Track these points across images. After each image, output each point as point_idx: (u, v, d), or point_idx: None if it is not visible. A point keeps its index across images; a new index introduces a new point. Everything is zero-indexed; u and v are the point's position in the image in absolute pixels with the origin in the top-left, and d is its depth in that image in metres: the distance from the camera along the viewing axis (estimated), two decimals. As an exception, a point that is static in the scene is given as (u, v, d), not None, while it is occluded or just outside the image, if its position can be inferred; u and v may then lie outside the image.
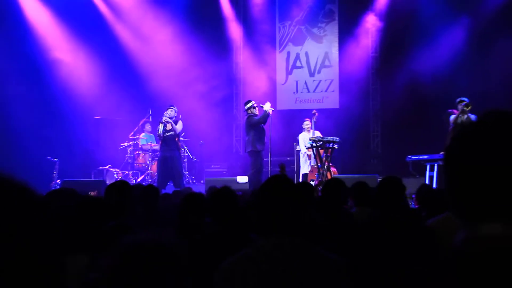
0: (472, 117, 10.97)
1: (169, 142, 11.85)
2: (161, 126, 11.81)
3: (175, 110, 12.06)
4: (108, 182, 12.46)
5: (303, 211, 2.46)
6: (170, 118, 11.88)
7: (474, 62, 14.58)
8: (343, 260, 2.44)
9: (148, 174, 13.68)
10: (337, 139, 12.10)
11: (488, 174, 1.14)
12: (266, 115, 11.88)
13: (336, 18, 16.72)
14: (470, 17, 14.78)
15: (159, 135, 11.91)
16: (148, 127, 14.27)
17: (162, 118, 11.93)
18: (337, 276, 2.39)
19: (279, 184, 2.50)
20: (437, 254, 3.15)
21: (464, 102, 11.09)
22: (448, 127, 12.09)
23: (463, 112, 11.07)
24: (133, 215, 4.48)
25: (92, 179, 13.80)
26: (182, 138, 13.82)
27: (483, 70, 14.29)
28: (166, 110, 11.98)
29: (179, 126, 11.95)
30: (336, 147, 12.10)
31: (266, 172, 12.20)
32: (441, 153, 12.20)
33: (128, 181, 13.41)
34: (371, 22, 16.13)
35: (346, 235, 3.63)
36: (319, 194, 6.26)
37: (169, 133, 11.82)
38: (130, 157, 14.04)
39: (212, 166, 15.62)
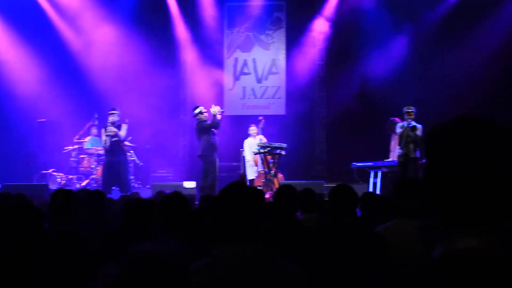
0: (419, 127, 11.20)
1: (114, 147, 11.74)
2: (107, 139, 11.69)
3: (117, 114, 11.93)
4: (51, 186, 12.24)
5: (260, 217, 2.45)
6: (113, 123, 11.75)
7: (418, 70, 14.98)
8: (299, 269, 2.45)
9: (93, 179, 13.48)
10: (285, 145, 12.22)
11: (464, 180, 1.21)
12: (215, 119, 11.88)
13: (284, 25, 16.87)
14: (414, 25, 15.17)
15: (106, 146, 11.80)
16: (94, 130, 14.06)
17: (106, 124, 11.79)
18: (293, 285, 2.40)
19: (238, 191, 2.47)
20: (388, 261, 3.23)
21: (412, 116, 11.26)
22: (391, 134, 12.35)
23: (408, 129, 11.21)
24: (79, 221, 4.42)
25: (34, 183, 13.49)
26: (128, 143, 13.69)
27: (427, 77, 14.67)
28: (109, 116, 11.85)
29: (123, 132, 11.86)
30: (283, 153, 12.21)
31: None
32: (385, 160, 12.48)
33: (72, 185, 13.25)
34: (317, 30, 16.32)
35: (297, 242, 3.68)
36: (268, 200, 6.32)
37: (114, 139, 11.71)
38: (74, 161, 13.80)
39: (159, 171, 15.50)
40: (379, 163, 12.57)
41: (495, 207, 1.19)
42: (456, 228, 1.22)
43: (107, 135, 11.72)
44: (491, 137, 1.23)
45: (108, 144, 11.70)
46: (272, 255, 2.43)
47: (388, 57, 15.25)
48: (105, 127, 11.87)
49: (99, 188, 9.11)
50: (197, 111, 12.24)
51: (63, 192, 4.50)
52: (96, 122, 14.00)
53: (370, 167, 12.67)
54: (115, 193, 11.25)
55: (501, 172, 1.20)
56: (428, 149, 1.31)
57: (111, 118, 11.78)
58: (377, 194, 9.03)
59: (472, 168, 1.20)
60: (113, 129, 11.68)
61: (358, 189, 5.04)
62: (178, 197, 3.82)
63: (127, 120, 12.27)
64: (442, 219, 1.24)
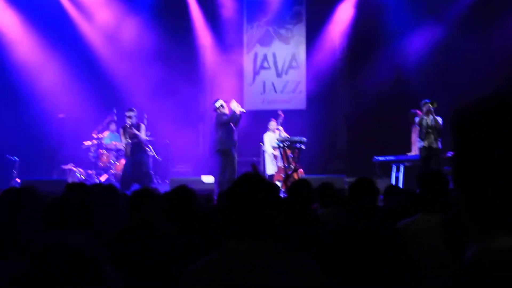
0: (439, 119, 11.04)
1: (135, 148, 11.73)
2: (127, 143, 11.69)
3: (135, 115, 11.87)
4: (71, 181, 12.23)
5: (276, 213, 2.30)
6: (132, 125, 11.72)
7: (442, 63, 14.71)
8: (318, 266, 2.29)
9: (112, 174, 13.45)
10: (304, 139, 12.09)
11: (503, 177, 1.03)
12: (234, 115, 11.77)
13: (304, 19, 16.71)
14: (438, 16, 14.91)
15: (126, 150, 11.83)
16: (112, 126, 14.05)
17: (125, 126, 11.81)
18: (312, 283, 2.24)
19: (252, 183, 2.30)
20: (408, 256, 3.10)
21: (428, 103, 11.12)
22: (412, 126, 12.17)
23: (428, 112, 11.10)
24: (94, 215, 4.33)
25: (54, 178, 13.51)
26: (147, 138, 13.67)
27: (452, 71, 14.39)
28: (126, 117, 11.80)
29: (142, 133, 11.82)
30: (303, 148, 12.08)
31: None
32: (407, 154, 12.29)
33: (91, 180, 13.25)
34: (338, 23, 16.15)
35: (315, 238, 3.54)
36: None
37: (134, 140, 11.69)
38: (93, 156, 13.79)
39: (178, 166, 15.45)
40: (401, 157, 12.40)
41: None
42: (491, 226, 1.05)
43: (127, 139, 11.70)
44: None
45: (129, 148, 11.69)
46: (287, 251, 2.27)
47: (409, 49, 15.04)
48: (123, 128, 11.82)
49: (116, 184, 9.08)
50: (217, 104, 12.14)
51: (76, 186, 4.42)
52: (115, 118, 14.00)
53: (392, 161, 12.51)
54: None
55: None
56: (457, 136, 1.11)
57: (129, 120, 11.73)
58: (401, 187, 8.86)
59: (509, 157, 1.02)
60: (133, 131, 11.64)
61: (380, 183, 4.91)
62: (183, 190, 3.69)
63: (145, 116, 12.22)
64: (475, 216, 1.07)
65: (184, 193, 3.68)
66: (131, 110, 11.91)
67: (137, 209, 3.72)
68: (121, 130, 12.04)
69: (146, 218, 3.48)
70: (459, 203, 1.09)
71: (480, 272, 1.01)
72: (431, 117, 11.10)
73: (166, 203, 3.67)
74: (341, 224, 3.83)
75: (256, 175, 2.36)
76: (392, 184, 9.10)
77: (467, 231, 1.08)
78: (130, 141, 11.69)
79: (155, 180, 13.71)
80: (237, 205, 2.27)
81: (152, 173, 13.17)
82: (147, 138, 12.56)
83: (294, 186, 4.46)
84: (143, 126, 11.92)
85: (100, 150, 13.73)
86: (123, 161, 13.12)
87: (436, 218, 3.13)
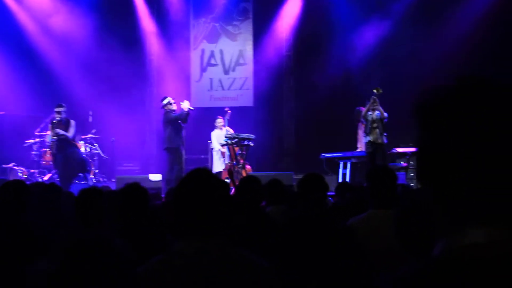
0: (385, 114, 11.21)
1: (63, 144, 11.54)
2: (53, 139, 11.50)
3: (63, 111, 11.67)
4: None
5: (227, 210, 2.23)
6: (61, 121, 11.51)
7: (385, 61, 14.91)
8: (270, 264, 2.24)
9: (55, 172, 13.12)
10: (253, 136, 12.09)
11: (475, 164, 0.98)
12: (183, 113, 11.72)
13: (251, 16, 16.69)
14: (384, 14, 15.09)
15: (51, 145, 11.64)
16: (56, 123, 13.73)
17: (52, 121, 11.67)
18: (265, 282, 2.20)
19: (201, 180, 2.21)
20: (360, 253, 3.08)
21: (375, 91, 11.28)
22: (358, 124, 12.31)
23: (374, 102, 11.23)
24: (33, 214, 4.19)
25: (-5, 177, 13.10)
26: (92, 135, 13.47)
27: (394, 68, 14.59)
28: (55, 112, 11.61)
29: (71, 130, 11.62)
30: (252, 144, 12.07)
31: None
32: (354, 151, 12.43)
33: (34, 179, 12.91)
34: (285, 20, 16.21)
35: (265, 236, 3.50)
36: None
37: (61, 137, 11.50)
38: (36, 155, 13.42)
39: (124, 164, 15.20)
40: (348, 154, 12.53)
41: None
42: (461, 219, 1.00)
43: (53, 136, 11.49)
44: (506, 101, 0.98)
45: (55, 145, 11.53)
46: (238, 250, 2.21)
47: (357, 45, 15.19)
48: (51, 124, 11.68)
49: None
50: (165, 101, 12.07)
51: (13, 184, 4.27)
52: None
53: (339, 158, 12.62)
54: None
55: None
56: (420, 126, 1.05)
57: (57, 116, 11.54)
58: (352, 184, 8.92)
59: (483, 144, 0.97)
60: (60, 131, 11.43)
61: (328, 180, 4.89)
62: (136, 188, 3.60)
63: (90, 113, 12.01)
64: (443, 209, 1.02)
65: (137, 191, 3.59)
66: (59, 105, 11.75)
67: (84, 208, 3.61)
68: (49, 126, 11.82)
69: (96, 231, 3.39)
70: (424, 197, 1.05)
71: (451, 268, 0.97)
72: (376, 111, 11.26)
73: (117, 201, 3.56)
74: (290, 221, 3.80)
75: (205, 171, 2.29)
76: (345, 181, 9.18)
77: (435, 225, 1.04)
78: (56, 137, 11.48)
79: (99, 178, 13.49)
80: (186, 202, 2.19)
81: (96, 170, 12.99)
82: (92, 131, 12.35)
83: (242, 183, 4.39)
84: (72, 123, 11.73)
85: (43, 149, 13.37)
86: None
87: (386, 213, 3.13)
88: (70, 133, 11.61)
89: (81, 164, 11.84)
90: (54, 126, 11.58)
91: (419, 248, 1.95)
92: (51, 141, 11.66)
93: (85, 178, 12.06)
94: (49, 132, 13.37)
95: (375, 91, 11.26)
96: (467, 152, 0.97)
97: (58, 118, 11.58)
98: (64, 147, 11.55)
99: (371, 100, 11.28)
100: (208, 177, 2.24)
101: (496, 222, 0.97)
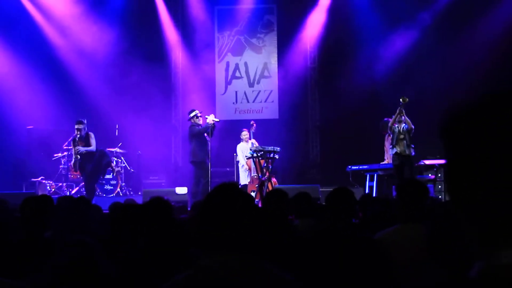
0: (412, 125, 11.09)
1: (87, 156, 11.58)
2: (76, 156, 11.56)
3: (83, 128, 11.63)
4: (40, 194, 12.00)
5: (254, 224, 2.21)
6: (81, 137, 11.54)
7: (413, 71, 14.80)
8: (297, 281, 2.21)
9: (83, 186, 13.21)
10: (278, 149, 12.04)
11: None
12: (208, 126, 11.74)
13: (275, 28, 16.72)
14: (409, 23, 15.01)
15: (74, 163, 11.70)
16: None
17: (74, 138, 11.70)
18: None
19: (228, 193, 2.20)
20: (388, 267, 3.03)
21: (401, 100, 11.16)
22: (385, 135, 12.21)
23: (400, 113, 11.12)
24: (58, 228, 4.21)
25: (23, 191, 13.23)
26: (119, 150, 13.54)
27: (421, 79, 14.47)
28: (75, 129, 11.63)
29: (93, 144, 11.61)
30: (277, 157, 12.03)
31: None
32: (381, 163, 12.32)
33: (62, 192, 13.02)
34: (310, 33, 16.22)
35: (293, 250, 3.46)
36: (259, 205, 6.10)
37: (83, 153, 11.55)
38: (64, 168, 13.54)
39: (151, 178, 15.27)
40: (375, 166, 12.43)
41: None
42: (497, 239, 0.96)
43: (76, 154, 11.55)
44: None
45: (77, 162, 11.58)
46: (264, 265, 2.17)
47: (383, 56, 15.11)
48: (73, 141, 11.71)
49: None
50: (192, 114, 12.12)
51: (33, 200, 4.30)
52: (86, 129, 13.82)
53: (366, 170, 12.53)
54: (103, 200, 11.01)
55: None
56: (450, 143, 1.02)
57: (77, 133, 11.53)
58: (376, 196, 8.85)
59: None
60: (81, 149, 11.46)
61: (355, 193, 4.83)
62: (159, 202, 3.59)
63: (117, 126, 12.07)
64: (478, 229, 0.98)
65: (160, 205, 3.58)
66: (79, 122, 11.63)
67: (118, 223, 3.63)
68: (71, 142, 11.87)
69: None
70: (458, 217, 1.01)
71: None
72: (403, 124, 11.15)
73: (142, 215, 3.57)
74: (318, 234, 3.76)
75: (232, 185, 2.27)
76: (367, 193, 9.09)
77: (470, 245, 1.00)
78: (79, 156, 11.50)
79: (126, 191, 13.55)
80: (212, 216, 2.17)
81: (123, 184, 13.07)
82: (118, 145, 12.39)
83: (269, 196, 4.37)
84: (91, 135, 11.68)
85: (71, 163, 13.49)
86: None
87: (415, 228, 3.08)
88: (92, 145, 11.62)
89: (105, 166, 11.85)
90: (75, 144, 11.61)
91: (451, 262, 1.90)
92: (74, 159, 11.69)
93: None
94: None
95: (401, 100, 11.15)
96: (501, 169, 0.93)
97: (78, 135, 11.57)
98: (89, 159, 11.56)
99: (398, 111, 11.16)
100: (235, 191, 2.22)
101: None
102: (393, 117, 11.29)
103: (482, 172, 0.95)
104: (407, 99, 11.15)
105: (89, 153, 11.54)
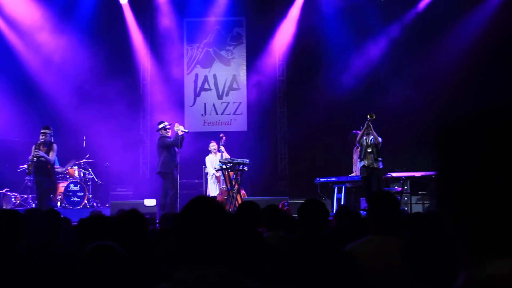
0: (379, 139, 11.23)
1: (40, 167, 11.54)
2: (32, 160, 11.52)
3: (49, 133, 11.61)
4: (5, 206, 11.85)
5: (227, 237, 2.21)
6: (45, 143, 11.52)
7: (380, 84, 14.98)
8: None
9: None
10: (247, 161, 12.07)
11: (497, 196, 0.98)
12: (178, 138, 11.75)
13: (244, 41, 16.79)
14: (377, 38, 15.22)
15: (29, 168, 11.60)
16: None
17: (37, 142, 11.67)
18: None
19: (205, 206, 2.19)
20: (358, 280, 3.07)
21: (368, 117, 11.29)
22: (353, 148, 12.32)
23: (367, 127, 11.26)
24: (28, 242, 4.16)
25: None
26: (86, 160, 13.39)
27: (389, 92, 14.65)
28: (40, 133, 11.63)
29: (52, 155, 11.57)
30: (246, 169, 12.05)
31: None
32: (349, 175, 12.43)
33: (28, 205, 12.81)
34: (278, 46, 16.33)
35: (263, 261, 3.48)
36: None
37: (41, 159, 11.44)
38: (30, 180, 13.33)
39: (118, 189, 15.12)
40: (343, 178, 12.52)
41: None
42: (483, 250, 0.99)
43: (34, 156, 11.47)
44: None
45: (33, 165, 11.52)
46: (240, 278, 2.17)
47: (351, 68, 15.26)
48: (35, 144, 11.65)
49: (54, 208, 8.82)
50: (161, 126, 12.15)
51: (5, 213, 4.24)
52: (52, 139, 13.66)
53: (334, 182, 12.61)
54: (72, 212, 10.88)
55: None
56: (441, 155, 1.04)
57: (42, 137, 11.50)
58: (352, 209, 8.91)
59: (508, 172, 0.94)
60: (40, 153, 11.41)
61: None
62: (135, 214, 3.57)
63: (84, 138, 11.96)
64: (465, 240, 1.01)
65: (135, 218, 3.57)
66: (46, 127, 11.73)
67: (87, 235, 3.59)
68: (33, 146, 11.76)
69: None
70: (445, 227, 1.03)
71: None
72: (371, 136, 11.29)
73: (114, 228, 3.54)
74: (289, 246, 3.78)
75: (208, 198, 2.27)
76: (344, 205, 9.17)
77: (457, 255, 1.02)
78: (35, 159, 11.43)
79: (93, 203, 13.37)
80: (190, 229, 2.17)
81: (90, 195, 12.94)
82: (86, 156, 12.27)
83: (241, 208, 4.37)
84: (54, 147, 11.71)
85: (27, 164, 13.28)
86: (61, 185, 12.83)
87: (387, 240, 3.12)
88: (51, 157, 11.56)
89: (45, 192, 11.66)
90: (37, 147, 11.54)
91: (428, 275, 1.94)
92: (29, 161, 11.60)
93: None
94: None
95: (368, 116, 11.31)
96: (491, 181, 0.95)
97: (42, 139, 11.55)
98: (39, 171, 11.54)
99: (365, 125, 11.32)
100: (212, 204, 2.22)
101: None
102: (361, 131, 11.43)
103: (473, 184, 0.97)
104: (374, 116, 11.30)
105: (43, 162, 11.45)
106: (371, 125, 11.31)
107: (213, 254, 2.12)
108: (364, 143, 11.33)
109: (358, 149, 11.69)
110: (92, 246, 2.83)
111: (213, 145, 13.06)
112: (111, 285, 2.68)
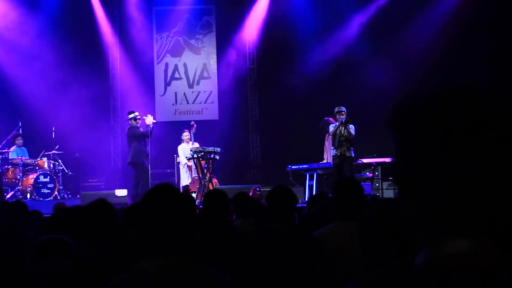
0: (351, 128, 11.26)
1: None
2: None
3: None
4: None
5: (191, 226, 2.19)
6: None
7: (350, 71, 15.07)
8: (235, 282, 2.21)
9: (18, 190, 12.86)
10: (218, 149, 12.05)
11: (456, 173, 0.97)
12: (148, 129, 11.70)
13: (214, 29, 16.73)
14: (347, 29, 15.30)
15: None
16: (19, 140, 13.47)
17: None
18: None
19: (166, 195, 2.17)
20: (327, 265, 3.10)
21: (343, 115, 11.28)
22: (325, 135, 12.36)
23: (341, 124, 11.28)
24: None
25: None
26: (56, 151, 13.25)
27: (360, 79, 14.76)
28: None
29: None
30: (218, 158, 12.04)
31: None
32: (320, 162, 12.48)
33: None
34: (248, 34, 16.31)
35: (233, 249, 3.49)
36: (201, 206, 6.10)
37: None
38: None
39: (90, 180, 14.99)
40: (314, 165, 12.56)
41: (493, 202, 0.97)
42: (441, 230, 0.99)
43: None
44: (488, 109, 0.96)
45: None
46: (203, 267, 2.16)
47: (320, 57, 15.30)
48: None
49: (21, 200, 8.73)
50: (131, 116, 12.03)
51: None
52: (20, 131, 13.48)
53: (306, 170, 12.64)
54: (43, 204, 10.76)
55: (505, 155, 0.95)
56: (397, 135, 1.03)
57: None
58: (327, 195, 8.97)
59: (465, 153, 0.95)
60: None
61: (295, 192, 4.89)
62: (102, 204, 3.54)
63: (54, 129, 11.80)
64: (423, 220, 1.02)
65: (103, 208, 3.54)
66: None
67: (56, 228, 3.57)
68: None
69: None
70: (403, 208, 1.04)
71: (431, 279, 0.97)
72: (344, 129, 11.30)
73: (85, 218, 3.52)
74: (259, 234, 3.80)
75: (169, 186, 2.24)
76: (321, 192, 9.20)
77: (415, 236, 1.03)
78: None
79: (64, 195, 13.25)
80: (151, 218, 2.15)
81: (60, 186, 12.84)
82: (55, 147, 12.14)
83: (208, 197, 4.36)
84: None
85: (6, 166, 13.11)
86: (30, 177, 12.67)
87: (351, 226, 3.14)
88: None
89: None
90: None
91: (382, 258, 1.97)
92: None
93: None
94: (12, 148, 13.19)
95: (343, 119, 11.25)
96: (448, 162, 0.96)
97: None
98: None
99: (338, 123, 11.27)
100: (172, 192, 2.20)
101: (477, 233, 0.97)
102: (334, 127, 11.37)
103: (431, 163, 0.97)
104: (350, 122, 11.29)
105: None
106: (344, 121, 11.29)
107: (176, 243, 2.11)
108: (338, 133, 11.32)
109: (330, 137, 11.71)
110: (40, 240, 2.82)
111: (186, 135, 13.01)
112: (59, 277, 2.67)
